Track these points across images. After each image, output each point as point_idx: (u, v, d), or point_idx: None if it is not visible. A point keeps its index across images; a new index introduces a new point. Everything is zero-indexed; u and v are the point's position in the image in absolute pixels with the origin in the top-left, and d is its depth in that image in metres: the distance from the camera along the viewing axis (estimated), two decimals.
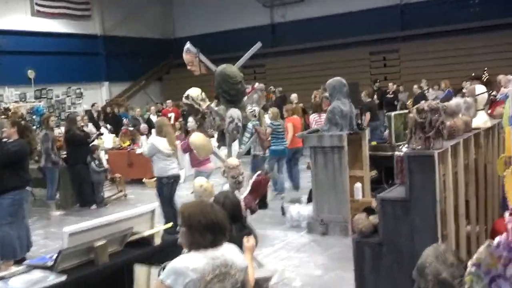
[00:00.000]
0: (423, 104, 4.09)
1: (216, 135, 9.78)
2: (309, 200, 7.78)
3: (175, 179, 7.55)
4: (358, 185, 7.10)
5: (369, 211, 4.36)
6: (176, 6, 24.14)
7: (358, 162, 7.24)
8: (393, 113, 8.32)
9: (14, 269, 4.04)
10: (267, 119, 9.07)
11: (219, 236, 2.80)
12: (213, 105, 6.32)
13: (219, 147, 9.32)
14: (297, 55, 20.60)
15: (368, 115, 12.92)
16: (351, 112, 7.31)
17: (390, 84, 15.97)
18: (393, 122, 7.90)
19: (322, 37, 19.99)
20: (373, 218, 4.17)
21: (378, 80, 17.10)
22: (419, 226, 3.94)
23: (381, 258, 4.03)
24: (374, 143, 8.74)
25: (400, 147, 5.82)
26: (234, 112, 6.01)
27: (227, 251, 2.82)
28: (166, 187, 7.45)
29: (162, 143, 7.41)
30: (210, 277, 2.60)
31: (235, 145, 6.45)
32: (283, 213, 7.87)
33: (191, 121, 8.79)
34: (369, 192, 7.25)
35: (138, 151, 7.91)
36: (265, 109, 9.49)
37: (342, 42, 19.73)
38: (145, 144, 11.71)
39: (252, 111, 7.24)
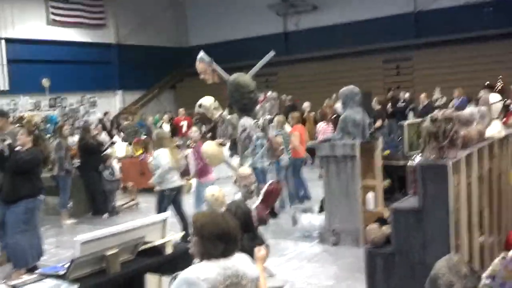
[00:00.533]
0: (437, 113, 4.06)
1: (228, 144, 9.79)
2: (321, 209, 7.74)
3: (178, 190, 7.54)
4: (370, 194, 7.05)
5: (381, 221, 4.33)
6: (189, 15, 24.31)
7: (370, 172, 7.19)
8: (406, 122, 8.27)
9: (26, 277, 4.05)
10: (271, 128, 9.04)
11: (230, 246, 2.79)
12: (225, 113, 6.34)
13: (231, 156, 9.32)
14: (310, 63, 20.61)
15: (378, 122, 12.94)
16: (364, 121, 7.27)
17: (402, 93, 15.88)
18: (407, 131, 7.84)
19: (335, 45, 19.99)
20: (386, 228, 4.14)
21: (392, 88, 17.02)
22: (432, 237, 3.90)
23: (393, 269, 4.00)
24: (387, 152, 8.69)
25: (413, 156, 5.77)
26: (247, 121, 6.03)
27: (238, 261, 2.81)
28: (167, 199, 7.41)
29: (164, 155, 7.38)
30: (222, 287, 2.60)
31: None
32: (294, 222, 7.84)
33: (194, 131, 8.81)
34: (381, 202, 7.19)
35: (153, 163, 7.88)
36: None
37: (355, 50, 19.71)
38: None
39: (256, 121, 7.22)
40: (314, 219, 7.48)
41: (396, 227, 4.01)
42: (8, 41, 17.24)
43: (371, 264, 4.08)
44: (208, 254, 2.76)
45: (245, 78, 6.05)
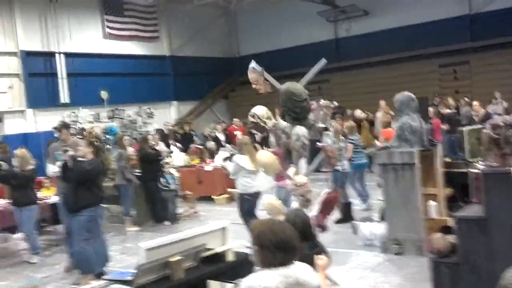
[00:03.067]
0: (497, 120, 3.96)
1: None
2: (382, 218, 7.64)
3: (257, 196, 7.66)
4: (431, 203, 6.89)
5: (445, 230, 4.24)
6: (240, 25, 24.58)
7: (431, 179, 7.03)
8: (466, 128, 8.04)
9: (93, 283, 4.20)
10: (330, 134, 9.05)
11: (289, 254, 2.79)
12: (278, 122, 6.37)
13: (286, 165, 9.37)
14: (363, 70, 20.38)
15: (444, 127, 12.71)
16: (421, 127, 7.14)
17: (450, 99, 15.42)
18: (467, 137, 7.63)
19: (388, 50, 19.68)
20: (450, 238, 4.05)
21: (437, 95, 16.56)
22: (499, 246, 3.79)
23: (459, 279, 3.91)
24: (448, 159, 8.48)
25: (475, 163, 5.62)
26: (300, 130, 6.03)
27: (299, 270, 2.81)
28: (248, 204, 7.60)
29: (244, 161, 7.56)
30: None
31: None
32: (354, 231, 7.77)
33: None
34: (444, 210, 7.01)
35: (229, 168, 8.10)
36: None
37: (409, 55, 19.32)
38: (218, 161, 12.00)
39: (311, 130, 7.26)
40: (375, 228, 7.38)
41: (461, 236, 3.92)
42: (67, 55, 17.90)
43: (436, 274, 4.01)
44: (267, 263, 2.77)
45: (297, 86, 6.06)
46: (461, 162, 7.69)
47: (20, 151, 8.37)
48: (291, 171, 6.47)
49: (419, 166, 6.70)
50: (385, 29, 20.04)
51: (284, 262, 2.74)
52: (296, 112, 6.04)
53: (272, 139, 8.12)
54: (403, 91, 7.53)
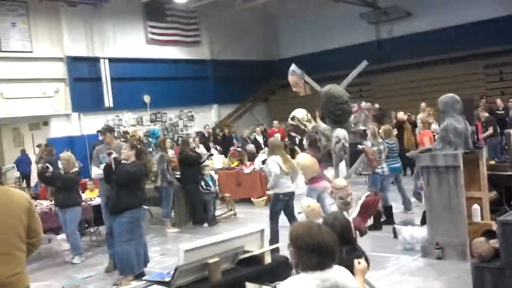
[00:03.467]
0: None
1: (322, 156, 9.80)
2: (423, 222, 7.47)
3: (291, 196, 7.67)
4: (475, 206, 6.68)
5: (489, 234, 4.10)
6: (280, 28, 24.60)
7: (475, 183, 6.82)
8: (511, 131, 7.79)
9: (134, 284, 4.25)
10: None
11: (327, 258, 2.75)
12: (318, 125, 6.31)
13: (326, 167, 9.30)
14: (405, 71, 20.03)
15: (490, 130, 12.35)
16: (466, 129, 6.95)
17: (498, 100, 14.93)
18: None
19: (431, 51, 19.27)
20: (494, 242, 3.92)
21: (483, 97, 16.07)
22: None
23: (503, 284, 3.78)
24: (492, 162, 8.22)
25: None
26: (341, 133, 5.96)
27: (337, 274, 2.77)
28: (281, 203, 7.60)
29: (280, 161, 7.57)
30: None
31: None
32: (395, 235, 7.62)
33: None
34: (488, 214, 6.80)
35: (266, 169, 8.15)
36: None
37: (453, 56, 18.86)
38: (257, 164, 12.03)
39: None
40: (416, 232, 7.22)
41: (505, 240, 3.79)
42: (111, 60, 18.32)
43: (479, 279, 3.88)
44: (304, 266, 2.75)
45: (337, 89, 5.98)
46: (506, 165, 7.46)
47: (66, 154, 8.62)
48: (330, 173, 6.41)
49: (463, 169, 6.51)
50: (427, 30, 19.65)
51: (322, 265, 2.71)
52: (336, 114, 5.97)
53: (305, 142, 8.10)
54: (447, 92, 7.36)
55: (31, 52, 16.47)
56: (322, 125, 6.25)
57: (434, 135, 10.48)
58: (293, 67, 6.04)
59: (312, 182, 7.78)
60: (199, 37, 21.52)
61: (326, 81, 6.52)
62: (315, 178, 7.62)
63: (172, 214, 10.27)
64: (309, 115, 6.24)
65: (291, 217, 7.65)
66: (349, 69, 6.38)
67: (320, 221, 4.34)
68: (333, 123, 6.03)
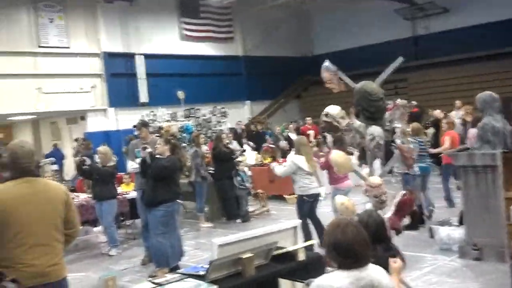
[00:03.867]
0: None
1: (356, 153, 9.71)
2: (461, 222, 7.33)
3: (316, 197, 7.62)
4: None
5: None
6: (313, 24, 24.47)
7: None
8: None
9: (169, 276, 4.31)
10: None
11: (360, 256, 2.74)
12: (352, 122, 6.25)
13: (360, 165, 9.21)
14: (442, 68, 19.63)
15: None
16: (505, 128, 6.78)
17: None
18: None
19: (469, 48, 18.80)
20: None
21: None
22: None
23: None
24: None
25: None
26: (375, 130, 5.90)
27: (372, 272, 2.75)
28: (306, 205, 7.55)
29: (302, 161, 7.53)
30: None
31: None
32: (431, 235, 7.50)
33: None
34: None
35: (277, 171, 8.10)
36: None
37: (491, 53, 18.37)
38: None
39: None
40: (453, 232, 7.10)
41: None
42: (146, 56, 18.59)
43: None
44: (339, 264, 2.75)
45: (372, 85, 5.91)
46: None
47: (103, 148, 8.79)
48: (365, 171, 6.36)
49: (501, 169, 6.36)
50: (465, 26, 19.20)
51: (356, 264, 2.71)
52: (371, 111, 5.90)
53: (347, 138, 7.99)
54: (484, 90, 7.19)
55: (68, 48, 16.86)
56: (357, 122, 6.19)
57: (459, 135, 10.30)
58: (327, 63, 6.00)
59: (337, 182, 7.70)
60: (233, 33, 21.59)
61: (361, 78, 6.46)
62: (339, 178, 7.56)
63: (206, 209, 10.35)
64: (343, 112, 6.20)
65: (313, 218, 7.57)
66: (384, 66, 6.32)
67: (355, 219, 4.31)
68: (368, 120, 5.97)
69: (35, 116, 17.75)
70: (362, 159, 8.07)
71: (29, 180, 3.51)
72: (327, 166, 7.57)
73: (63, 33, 16.73)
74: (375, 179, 5.49)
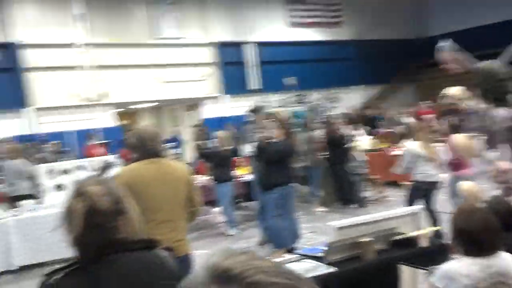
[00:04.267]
0: None
1: (480, 137, 9.16)
2: None
3: (434, 185, 7.23)
4: None
5: None
6: (429, 3, 23.31)
7: None
8: None
9: (287, 257, 4.41)
10: None
11: (489, 244, 2.64)
12: (474, 104, 5.91)
13: (485, 149, 8.68)
14: None
15: None
16: None
17: None
18: None
19: None
20: None
21: None
22: None
23: None
24: None
25: None
26: (500, 112, 5.54)
27: (503, 260, 2.64)
28: (421, 193, 7.16)
29: (419, 148, 7.22)
30: (483, 285, 2.48)
31: None
32: None
33: (442, 123, 8.39)
34: None
35: (398, 171, 7.83)
36: None
37: None
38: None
39: None
40: None
41: None
42: (257, 44, 18.93)
43: None
44: (465, 251, 2.67)
45: (495, 65, 5.55)
46: None
47: (221, 132, 9.16)
48: (492, 156, 5.99)
49: None
50: None
51: (484, 251, 2.63)
52: (499, 92, 5.55)
53: (467, 122, 7.54)
54: None
55: (183, 38, 17.57)
56: (480, 105, 5.86)
57: None
58: (444, 43, 5.73)
59: (458, 168, 7.26)
60: (341, 17, 21.27)
61: (483, 59, 6.09)
62: (461, 164, 7.13)
63: (320, 193, 10.38)
64: (465, 92, 5.90)
65: (429, 207, 7.11)
66: (508, 45, 5.90)
67: (482, 205, 4.11)
68: (495, 102, 5.63)
69: (156, 104, 18.82)
70: (489, 143, 7.60)
71: (154, 161, 3.72)
72: (450, 151, 7.21)
73: (177, 24, 17.47)
74: (504, 164, 5.17)
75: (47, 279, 1.79)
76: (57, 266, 1.81)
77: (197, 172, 9.97)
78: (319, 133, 10.77)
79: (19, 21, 14.70)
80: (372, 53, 21.17)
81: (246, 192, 9.56)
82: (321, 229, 8.04)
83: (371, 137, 13.40)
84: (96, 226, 1.81)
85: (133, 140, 3.87)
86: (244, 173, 10.06)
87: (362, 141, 12.55)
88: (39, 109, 14.83)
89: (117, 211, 1.88)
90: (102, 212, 1.83)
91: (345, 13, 21.36)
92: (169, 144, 11.97)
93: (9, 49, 14.56)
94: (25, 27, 14.73)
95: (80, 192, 1.87)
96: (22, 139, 12.81)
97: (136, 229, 1.94)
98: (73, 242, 1.83)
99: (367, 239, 4.11)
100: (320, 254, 4.14)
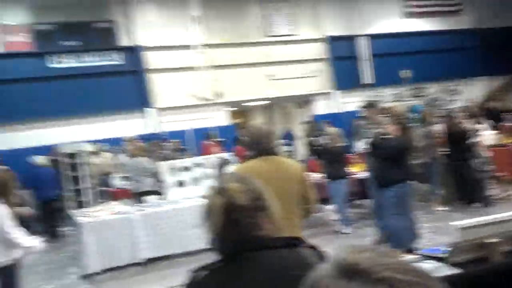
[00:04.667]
0: None
1: None
2: None
3: None
4: None
5: None
6: None
7: None
8: None
9: (407, 257, 4.25)
10: None
11: None
12: None
13: None
14: None
15: None
16: None
17: None
18: None
19: None
20: None
21: None
22: None
23: None
24: None
25: None
26: None
27: None
28: None
29: None
30: None
31: None
32: None
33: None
34: None
35: None
36: None
37: None
38: None
39: None
40: None
41: None
42: (369, 37, 18.43)
43: None
44: None
45: None
46: None
47: (332, 129, 9.08)
48: None
49: None
50: None
51: None
52: None
53: None
54: None
55: (295, 35, 17.65)
56: None
57: None
58: None
59: None
60: (460, 5, 20.07)
61: None
62: None
63: (440, 191, 9.89)
64: None
65: None
66: None
67: None
68: None
69: (268, 102, 19.08)
70: None
71: (269, 159, 3.77)
72: None
73: (288, 21, 17.59)
74: None
75: (196, 277, 1.82)
76: (203, 264, 1.83)
77: (310, 169, 9.95)
78: (438, 128, 10.28)
79: (140, 25, 15.66)
80: (495, 42, 19.73)
81: (361, 190, 9.37)
82: (441, 229, 7.68)
83: (495, 131, 12.53)
84: (235, 222, 1.83)
85: (247, 138, 3.95)
86: (358, 170, 9.87)
87: (486, 136, 11.80)
88: (160, 109, 15.67)
89: (256, 207, 1.88)
90: (241, 208, 1.84)
91: (466, 1, 20.16)
92: (282, 141, 12.06)
93: (133, 52, 15.55)
94: (146, 31, 15.66)
95: (220, 189, 1.90)
96: (145, 138, 13.53)
97: (278, 226, 1.92)
98: (213, 239, 1.86)
99: (493, 240, 3.84)
100: (441, 255, 3.95)
